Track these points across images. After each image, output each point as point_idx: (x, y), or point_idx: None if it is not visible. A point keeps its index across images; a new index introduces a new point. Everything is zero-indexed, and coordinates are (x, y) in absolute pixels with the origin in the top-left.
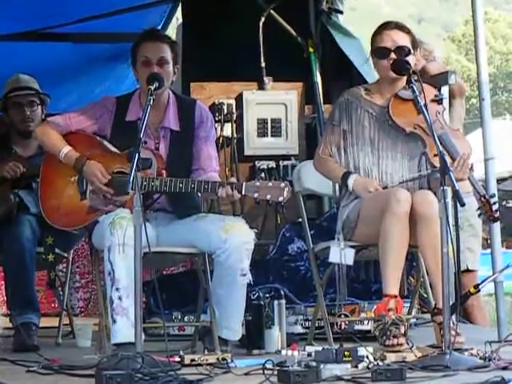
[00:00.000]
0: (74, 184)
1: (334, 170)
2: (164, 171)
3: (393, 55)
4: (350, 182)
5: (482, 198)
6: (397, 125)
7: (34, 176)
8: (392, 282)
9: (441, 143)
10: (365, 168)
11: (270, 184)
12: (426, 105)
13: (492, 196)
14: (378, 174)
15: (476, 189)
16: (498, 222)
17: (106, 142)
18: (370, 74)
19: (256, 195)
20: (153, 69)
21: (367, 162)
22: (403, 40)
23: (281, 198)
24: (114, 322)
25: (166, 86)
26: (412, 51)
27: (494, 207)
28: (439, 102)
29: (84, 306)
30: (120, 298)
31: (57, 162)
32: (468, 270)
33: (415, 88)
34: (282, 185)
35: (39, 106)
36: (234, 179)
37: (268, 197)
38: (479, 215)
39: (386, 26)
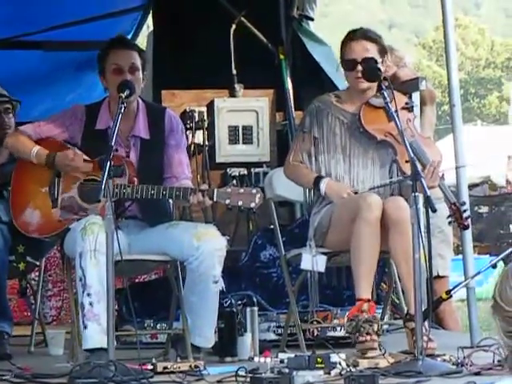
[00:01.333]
0: (45, 192)
1: (306, 176)
2: (135, 179)
3: (359, 67)
4: (323, 186)
5: (453, 206)
6: (368, 132)
7: (6, 184)
8: (364, 287)
9: (411, 151)
10: (336, 175)
11: (242, 190)
12: (396, 111)
13: (462, 204)
14: (349, 181)
15: (446, 196)
16: (470, 228)
17: (76, 150)
18: (341, 80)
19: (228, 202)
20: (125, 76)
21: (339, 170)
22: (370, 50)
23: (252, 205)
24: (85, 327)
25: (137, 93)
26: (380, 60)
27: (465, 215)
28: (410, 109)
29: (56, 315)
30: (91, 304)
31: (28, 169)
32: (439, 276)
33: (386, 94)
34: (254, 191)
35: (13, 113)
36: (205, 186)
37: (240, 203)
38: (449, 223)
39: (352, 37)
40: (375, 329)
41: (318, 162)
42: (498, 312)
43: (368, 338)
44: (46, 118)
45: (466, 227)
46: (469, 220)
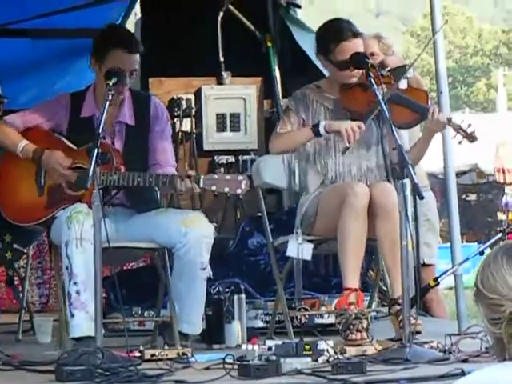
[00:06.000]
0: (31, 179)
1: (299, 132)
2: (122, 166)
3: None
4: (321, 127)
5: (454, 128)
6: (354, 111)
7: None
8: (352, 275)
9: (399, 101)
10: (320, 161)
11: (228, 177)
12: (383, 98)
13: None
14: (334, 165)
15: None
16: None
17: (63, 138)
18: None
19: (214, 188)
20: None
21: (324, 155)
22: (360, 46)
23: (239, 191)
24: (72, 316)
25: (127, 87)
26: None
27: (463, 126)
28: (383, 75)
29: (45, 302)
30: (78, 292)
31: (14, 158)
32: (425, 265)
33: (373, 82)
34: (240, 177)
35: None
36: (192, 172)
37: (226, 189)
38: (459, 142)
39: (342, 37)
40: (365, 325)
41: (303, 147)
42: (481, 299)
43: (358, 335)
44: (31, 106)
45: (474, 138)
46: (472, 127)
